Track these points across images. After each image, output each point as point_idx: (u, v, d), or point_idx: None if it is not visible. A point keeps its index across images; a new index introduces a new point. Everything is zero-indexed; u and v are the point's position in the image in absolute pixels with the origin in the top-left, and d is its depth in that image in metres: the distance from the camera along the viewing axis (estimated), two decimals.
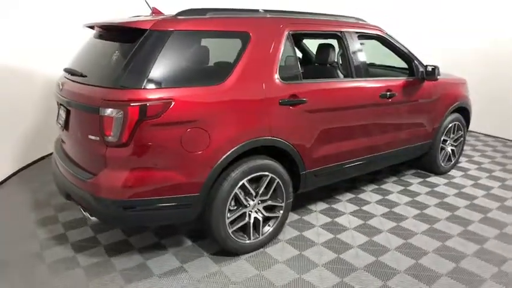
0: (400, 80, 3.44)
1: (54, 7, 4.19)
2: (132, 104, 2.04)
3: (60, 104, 2.60)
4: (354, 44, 3.11)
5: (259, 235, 2.66)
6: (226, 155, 2.32)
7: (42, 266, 2.46)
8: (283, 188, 2.69)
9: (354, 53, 3.10)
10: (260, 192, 2.59)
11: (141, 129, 2.08)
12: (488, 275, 2.43)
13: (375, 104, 3.17)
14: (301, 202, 3.39)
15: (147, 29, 2.20)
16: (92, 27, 2.70)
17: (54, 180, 2.67)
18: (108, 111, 2.08)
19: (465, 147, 5.24)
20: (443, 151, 4.13)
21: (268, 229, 2.70)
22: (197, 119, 2.22)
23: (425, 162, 4.14)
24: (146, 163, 2.16)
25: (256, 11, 2.69)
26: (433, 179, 4.09)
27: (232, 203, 2.51)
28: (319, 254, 2.64)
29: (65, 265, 2.47)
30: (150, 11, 2.93)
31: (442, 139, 4.00)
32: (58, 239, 2.79)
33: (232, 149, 2.34)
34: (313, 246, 2.75)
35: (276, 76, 2.56)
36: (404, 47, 3.56)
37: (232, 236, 2.51)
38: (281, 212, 2.74)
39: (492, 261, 2.58)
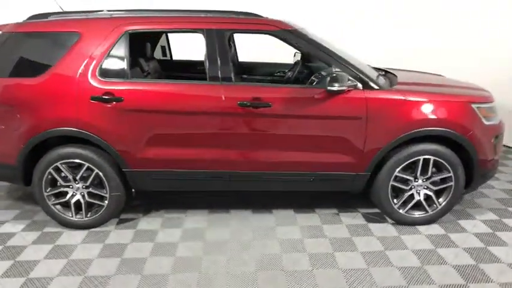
0: (288, 88, 2.76)
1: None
2: None
3: None
4: (216, 43, 2.73)
5: (83, 216, 2.95)
6: (30, 139, 2.74)
7: None
8: (104, 179, 2.85)
9: (213, 53, 2.73)
10: (78, 177, 2.86)
11: None
12: None
13: (230, 114, 2.70)
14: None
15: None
16: None
17: None
18: None
19: None
20: (404, 194, 2.95)
21: (93, 215, 2.96)
22: (10, 104, 2.74)
23: (373, 201, 3.09)
24: None
25: (101, 11, 2.84)
26: (377, 227, 3.03)
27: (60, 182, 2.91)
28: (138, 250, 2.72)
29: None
30: None
31: (394, 175, 2.87)
32: None
33: (36, 135, 2.73)
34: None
35: (96, 73, 2.71)
36: (321, 47, 2.76)
37: (53, 208, 2.93)
38: (106, 202, 2.91)
39: None
